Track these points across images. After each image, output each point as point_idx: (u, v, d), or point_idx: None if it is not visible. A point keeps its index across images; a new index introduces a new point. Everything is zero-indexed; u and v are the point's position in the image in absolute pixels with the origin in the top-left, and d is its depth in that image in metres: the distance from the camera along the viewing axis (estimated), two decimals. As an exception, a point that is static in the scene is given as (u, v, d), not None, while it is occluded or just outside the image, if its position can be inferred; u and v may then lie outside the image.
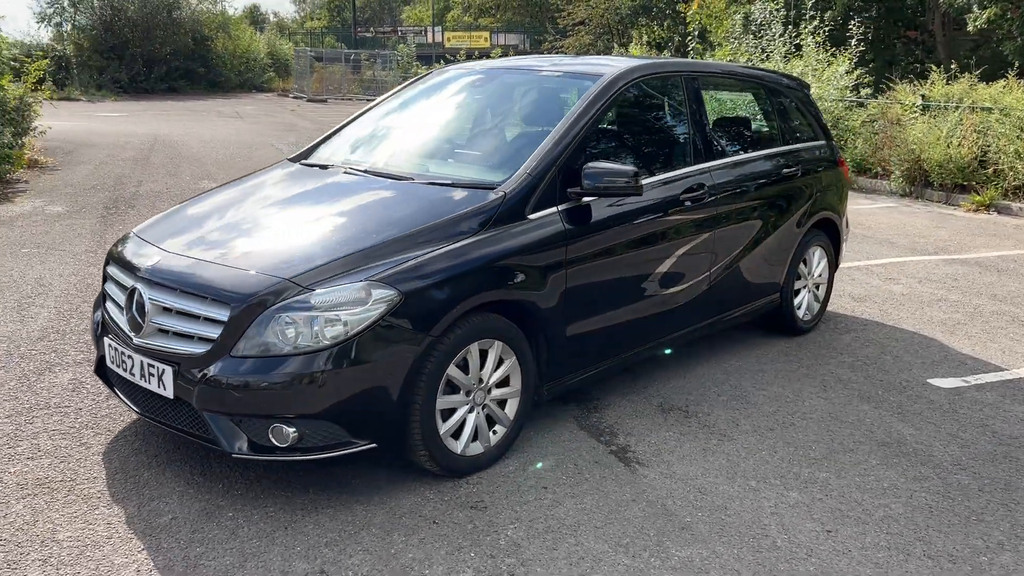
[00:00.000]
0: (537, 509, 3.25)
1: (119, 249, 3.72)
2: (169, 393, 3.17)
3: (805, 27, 14.23)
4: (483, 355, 3.44)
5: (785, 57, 14.52)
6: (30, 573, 2.77)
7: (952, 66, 12.88)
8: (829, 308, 5.92)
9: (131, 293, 3.36)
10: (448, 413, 3.37)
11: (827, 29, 14.28)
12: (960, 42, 19.22)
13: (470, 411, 3.45)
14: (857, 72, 13.36)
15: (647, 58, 5.62)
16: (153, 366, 3.21)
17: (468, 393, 3.42)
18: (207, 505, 3.20)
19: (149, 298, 3.27)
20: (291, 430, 3.04)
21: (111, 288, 3.61)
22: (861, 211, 10.30)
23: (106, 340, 3.50)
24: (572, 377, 3.90)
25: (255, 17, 54.15)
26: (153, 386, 3.22)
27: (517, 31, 41.89)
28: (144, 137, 15.48)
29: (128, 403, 3.43)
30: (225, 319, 3.07)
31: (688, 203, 4.32)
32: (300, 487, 3.34)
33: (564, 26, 29.06)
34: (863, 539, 3.14)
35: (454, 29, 44.00)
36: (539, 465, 3.59)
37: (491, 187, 3.64)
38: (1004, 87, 11.60)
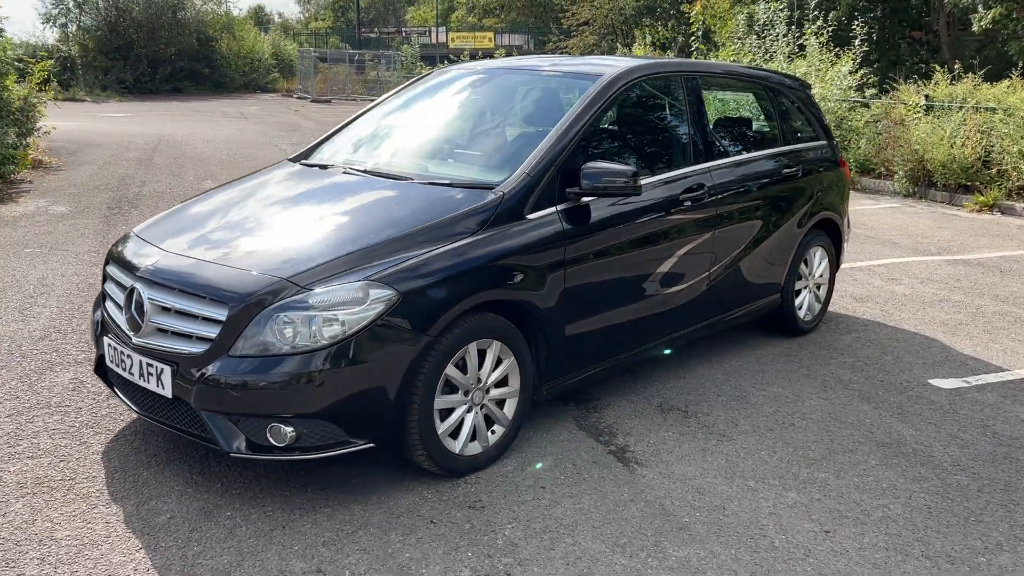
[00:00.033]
0: (535, 509, 3.26)
1: (119, 249, 3.73)
2: (168, 392, 3.17)
3: (808, 27, 14.21)
4: (481, 355, 3.44)
5: (789, 57, 14.50)
6: (28, 571, 2.78)
7: (956, 66, 12.85)
8: (830, 308, 5.91)
9: (130, 293, 3.37)
10: (446, 413, 3.38)
11: (831, 29, 14.25)
12: (965, 42, 19.18)
13: (468, 411, 3.46)
14: (861, 72, 13.34)
15: (647, 58, 5.62)
16: (152, 365, 3.22)
17: (466, 393, 3.42)
18: (205, 504, 3.20)
19: (148, 297, 3.28)
20: (289, 429, 3.05)
21: (110, 288, 3.63)
22: (864, 211, 10.28)
23: (105, 339, 3.51)
24: (571, 377, 3.90)
25: (260, 18, 54.24)
26: (152, 385, 3.23)
27: (521, 32, 41.95)
28: (148, 137, 15.52)
29: (127, 402, 3.44)
30: (223, 319, 3.08)
31: (688, 203, 4.32)
32: (298, 486, 3.35)
33: (568, 26, 29.10)
34: (861, 539, 3.14)
35: (458, 30, 44.06)
36: (538, 466, 3.59)
37: (490, 187, 3.64)
38: (1008, 87, 11.57)
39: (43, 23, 31.41)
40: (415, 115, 4.71)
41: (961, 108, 11.35)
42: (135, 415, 3.72)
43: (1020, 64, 14.52)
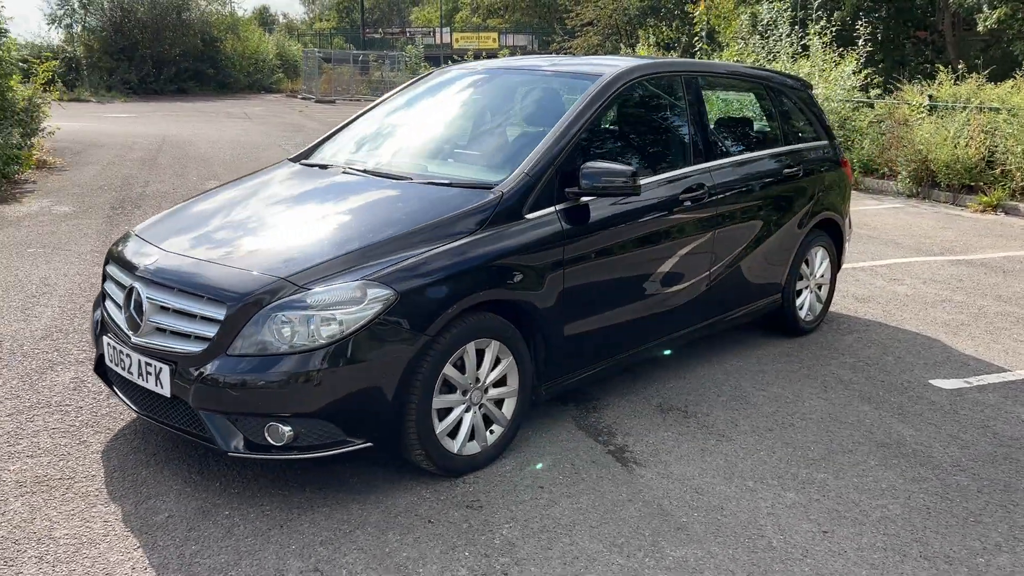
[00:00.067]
0: (533, 508, 3.26)
1: (118, 248, 3.74)
2: (166, 392, 3.18)
3: (812, 27, 14.19)
4: (480, 354, 3.44)
5: (792, 57, 14.48)
6: (26, 570, 2.78)
7: (960, 66, 12.82)
8: (832, 309, 5.90)
9: (129, 292, 3.38)
10: (445, 412, 3.38)
11: (834, 29, 14.22)
12: (970, 42, 19.14)
13: (467, 411, 3.46)
14: (864, 72, 13.31)
15: (647, 58, 5.61)
16: (151, 365, 3.22)
17: (465, 392, 3.43)
18: (204, 503, 3.21)
19: (147, 297, 3.29)
20: (287, 429, 3.05)
21: (110, 287, 3.64)
22: (867, 211, 10.26)
23: (105, 339, 3.52)
24: (570, 377, 3.90)
25: (264, 18, 54.35)
26: (151, 385, 3.24)
27: (525, 32, 41.95)
28: (152, 138, 15.56)
29: (126, 402, 3.45)
30: (221, 318, 3.09)
31: (688, 203, 4.31)
32: (297, 485, 3.35)
33: (572, 27, 29.09)
34: (859, 540, 3.13)
35: (463, 30, 44.06)
36: (538, 466, 3.59)
37: (488, 187, 3.64)
38: (1012, 87, 11.54)
39: (48, 24, 31.60)
40: (415, 115, 4.71)
41: (965, 108, 11.32)
42: (135, 414, 3.73)
43: (1025, 64, 14.51)
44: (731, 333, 5.28)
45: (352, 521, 3.12)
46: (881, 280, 6.93)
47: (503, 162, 3.90)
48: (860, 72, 13.24)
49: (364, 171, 4.11)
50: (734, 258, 4.70)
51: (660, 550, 3.02)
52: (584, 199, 3.78)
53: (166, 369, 3.17)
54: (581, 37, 27.85)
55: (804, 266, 5.38)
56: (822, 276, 5.56)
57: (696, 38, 18.74)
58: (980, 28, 16.36)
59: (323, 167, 4.33)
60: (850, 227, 5.94)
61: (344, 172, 4.15)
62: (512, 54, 31.23)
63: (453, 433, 3.42)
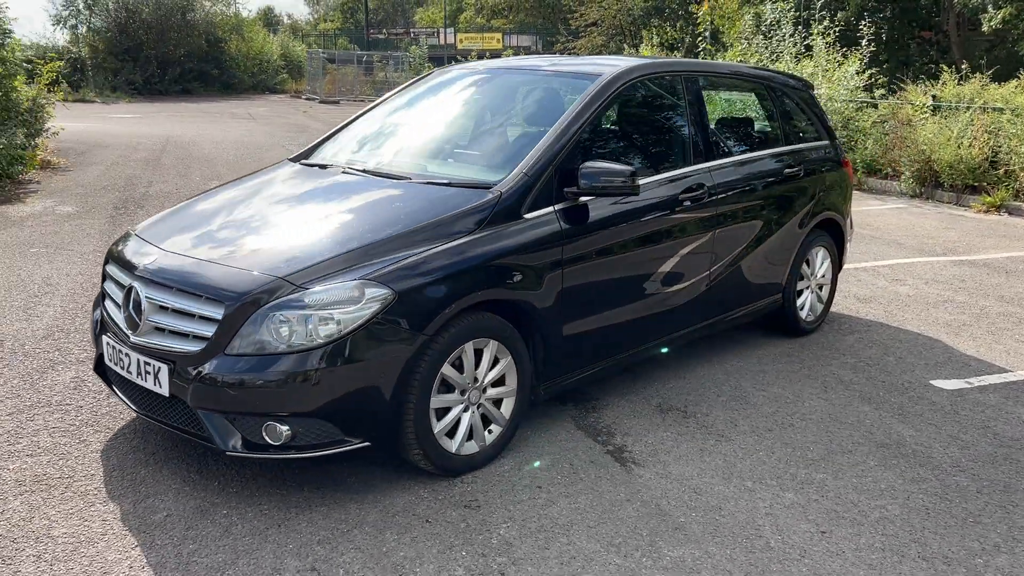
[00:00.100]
0: (531, 508, 3.26)
1: (118, 248, 3.75)
2: (165, 391, 3.19)
3: (815, 27, 14.17)
4: (478, 354, 3.44)
5: (796, 58, 14.46)
6: (24, 569, 2.79)
7: (964, 66, 12.79)
8: (833, 309, 5.89)
9: (128, 291, 3.39)
10: (443, 412, 3.38)
11: (838, 29, 14.20)
12: (975, 42, 19.11)
13: (465, 410, 3.46)
14: (868, 72, 13.29)
15: (648, 58, 5.61)
16: (149, 364, 3.23)
17: (463, 392, 3.43)
18: (202, 502, 3.21)
19: (146, 296, 3.30)
20: (284, 428, 3.06)
21: (110, 287, 3.65)
22: (870, 212, 10.24)
23: (105, 338, 3.53)
24: (569, 377, 3.90)
25: (269, 19, 54.45)
26: (149, 384, 3.25)
27: (529, 32, 41.92)
28: (156, 138, 15.59)
29: (126, 401, 3.46)
30: (219, 317, 3.09)
31: (687, 203, 4.31)
32: (295, 485, 3.36)
33: (576, 27, 29.06)
34: (858, 540, 3.12)
35: (467, 31, 44.08)
36: (536, 464, 3.59)
37: (487, 187, 3.65)
38: (1016, 87, 11.51)
39: (53, 25, 31.61)
40: (415, 115, 4.71)
41: (969, 108, 11.30)
42: (134, 414, 3.73)
43: (1029, 64, 14.47)
44: (732, 333, 5.27)
45: (350, 520, 3.13)
46: (883, 280, 6.92)
47: (502, 162, 3.91)
48: (864, 72, 13.22)
49: (364, 171, 4.11)
50: (734, 258, 4.69)
51: (657, 550, 3.02)
52: (583, 199, 3.78)
53: (165, 368, 3.17)
54: (585, 38, 27.83)
55: (805, 266, 5.37)
56: (823, 276, 5.55)
57: (700, 38, 18.71)
58: (985, 28, 16.33)
59: (323, 167, 4.33)
60: (851, 227, 5.93)
61: (344, 172, 4.15)
62: (516, 55, 31.22)
63: (451, 433, 3.42)
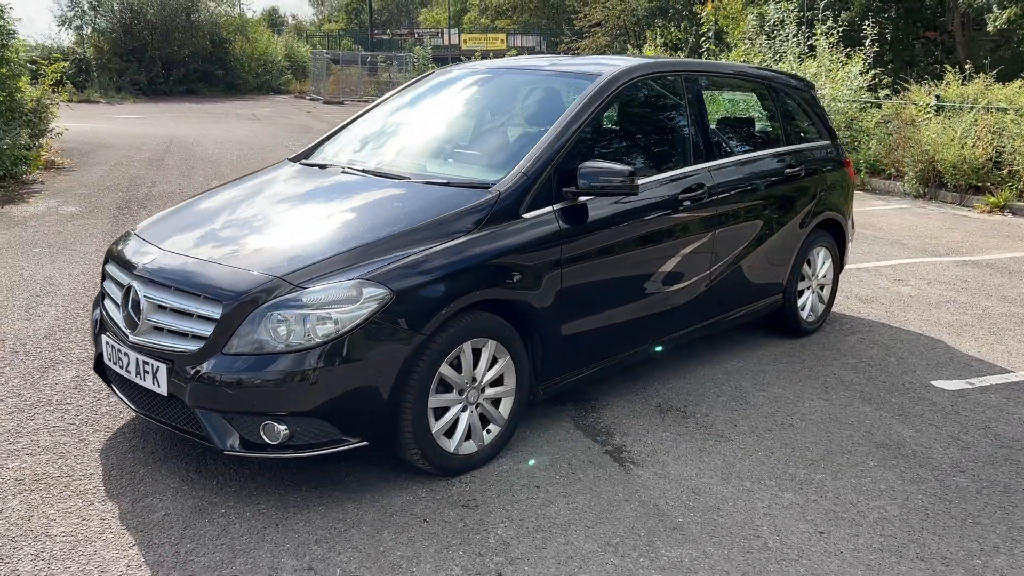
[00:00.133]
0: (528, 508, 3.25)
1: (118, 248, 3.76)
2: (163, 390, 3.19)
3: (819, 27, 14.14)
4: (476, 354, 3.44)
5: (799, 58, 14.43)
6: (22, 567, 2.80)
7: (967, 66, 12.75)
8: (835, 309, 5.88)
9: (127, 291, 3.40)
10: (441, 412, 3.38)
11: (841, 29, 14.17)
12: (980, 42, 19.05)
13: (463, 410, 3.46)
14: (872, 72, 13.26)
15: (648, 58, 5.61)
16: (148, 363, 3.24)
17: (461, 392, 3.42)
18: (200, 502, 3.22)
19: (144, 296, 3.30)
20: (282, 427, 3.06)
21: (109, 286, 3.65)
22: (873, 212, 10.22)
23: (104, 337, 3.54)
24: (568, 377, 3.90)
25: (273, 20, 54.47)
26: (148, 383, 3.25)
27: (534, 33, 41.93)
28: (160, 139, 15.62)
29: (125, 400, 3.46)
30: (218, 317, 3.10)
31: (687, 203, 4.30)
32: (293, 484, 3.36)
33: (580, 28, 29.07)
34: (856, 541, 3.12)
35: (471, 31, 44.08)
36: (531, 463, 3.59)
37: (486, 186, 3.64)
38: (1020, 87, 11.47)
39: (58, 26, 31.69)
40: (415, 115, 4.72)
41: (972, 108, 11.27)
42: (134, 413, 3.74)
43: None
44: (732, 333, 5.26)
45: (347, 520, 3.13)
46: (885, 281, 6.90)
47: (501, 162, 3.90)
48: (867, 72, 13.19)
49: (363, 171, 4.11)
50: (735, 258, 4.69)
51: (655, 550, 3.01)
52: (582, 199, 3.78)
53: (163, 368, 3.18)
54: (589, 38, 27.84)
55: (806, 266, 5.36)
56: (824, 276, 5.54)
57: (704, 39, 18.70)
58: (990, 28, 16.28)
59: (322, 167, 4.34)
60: (853, 227, 5.92)
61: (343, 172, 4.16)
62: (520, 55, 31.21)
63: (449, 432, 3.42)
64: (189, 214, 3.96)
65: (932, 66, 17.79)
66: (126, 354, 3.34)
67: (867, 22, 14.30)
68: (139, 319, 3.29)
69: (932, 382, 4.70)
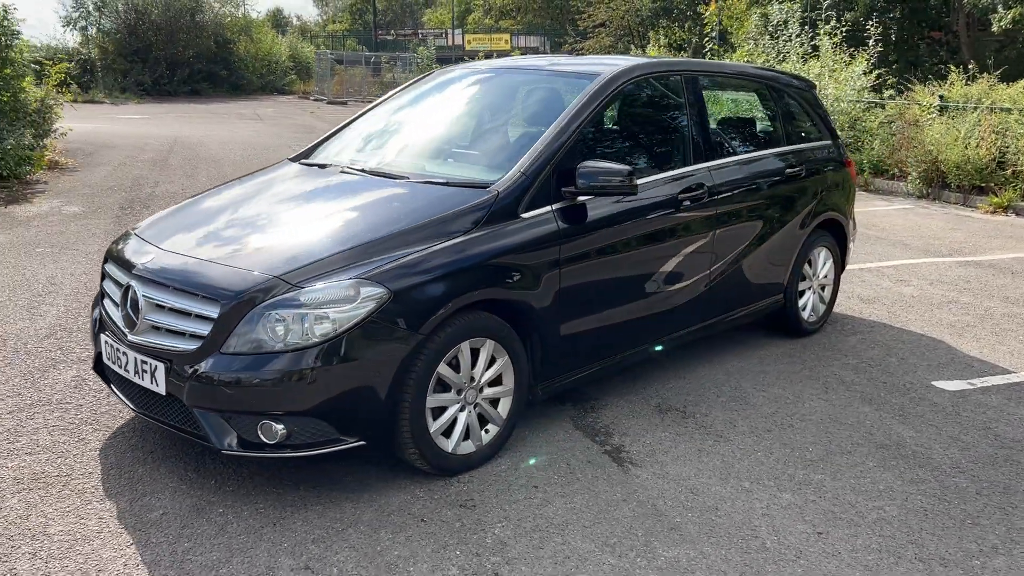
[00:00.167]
0: (526, 508, 3.25)
1: (117, 247, 3.77)
2: (161, 389, 3.20)
3: (822, 27, 14.12)
4: (475, 354, 3.44)
5: (803, 58, 14.41)
6: (20, 566, 2.80)
7: (971, 66, 12.71)
8: (836, 309, 5.87)
9: (126, 290, 3.41)
10: (439, 411, 3.38)
11: (845, 29, 14.14)
12: (985, 43, 18.99)
13: (461, 410, 3.45)
14: (876, 73, 13.23)
15: (649, 58, 5.60)
16: (146, 362, 3.24)
17: (459, 392, 3.42)
18: (198, 501, 3.22)
19: (143, 295, 3.31)
20: (280, 427, 3.06)
21: (108, 285, 3.66)
22: (876, 212, 10.20)
23: (103, 337, 3.54)
24: (567, 377, 3.89)
25: (278, 20, 54.56)
26: (146, 382, 3.26)
27: (537, 33, 41.91)
28: (164, 139, 15.65)
29: (124, 399, 3.47)
30: (215, 316, 3.10)
31: (687, 203, 4.30)
32: (291, 484, 3.36)
33: (584, 28, 29.06)
34: (854, 541, 3.11)
35: (475, 32, 44.10)
36: (531, 462, 3.59)
37: (484, 186, 3.64)
38: (1024, 88, 11.45)
39: (63, 26, 31.79)
40: (415, 114, 4.72)
41: (976, 109, 11.24)
42: (133, 412, 3.75)
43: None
44: (733, 333, 5.25)
45: (345, 519, 3.13)
46: (887, 281, 6.89)
47: (500, 161, 3.90)
48: (871, 72, 13.16)
49: (363, 171, 4.12)
50: (735, 258, 4.68)
51: (652, 550, 3.01)
52: (581, 198, 3.77)
53: (161, 367, 3.18)
54: (593, 38, 27.83)
55: (807, 266, 5.35)
56: (825, 277, 5.53)
57: (707, 39, 18.68)
58: (995, 28, 16.24)
59: (322, 167, 4.34)
60: (854, 228, 5.90)
61: (343, 172, 4.16)
62: (524, 55, 31.22)
63: (448, 432, 3.42)
64: (188, 214, 3.96)
65: (936, 66, 17.74)
66: (125, 353, 3.34)
67: (871, 22, 14.27)
68: (137, 318, 3.30)
69: (933, 383, 4.69)
